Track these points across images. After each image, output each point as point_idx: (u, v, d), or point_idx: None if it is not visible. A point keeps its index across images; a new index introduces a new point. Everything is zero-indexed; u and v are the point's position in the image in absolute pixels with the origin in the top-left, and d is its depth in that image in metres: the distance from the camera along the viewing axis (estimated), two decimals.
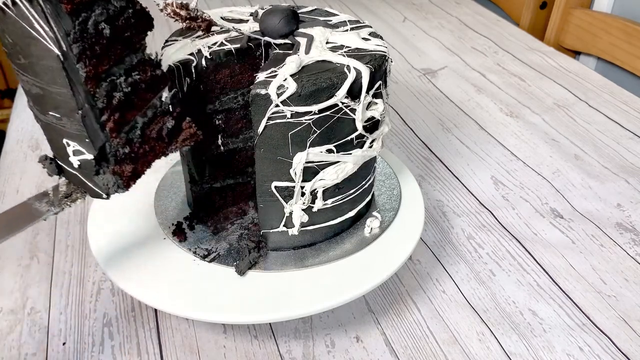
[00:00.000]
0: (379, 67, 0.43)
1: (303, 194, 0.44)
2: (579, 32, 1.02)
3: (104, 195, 0.39)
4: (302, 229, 0.46)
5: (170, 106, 0.42)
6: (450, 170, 0.68)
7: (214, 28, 0.47)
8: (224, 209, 0.52)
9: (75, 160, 0.37)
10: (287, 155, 0.42)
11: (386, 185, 0.55)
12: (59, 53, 0.32)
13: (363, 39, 0.45)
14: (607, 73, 0.96)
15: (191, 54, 0.44)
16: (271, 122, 0.40)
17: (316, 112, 0.40)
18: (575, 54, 1.08)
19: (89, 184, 0.39)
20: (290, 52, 0.43)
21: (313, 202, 0.45)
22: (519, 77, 0.90)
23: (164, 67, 0.44)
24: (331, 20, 0.48)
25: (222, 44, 0.45)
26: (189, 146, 0.44)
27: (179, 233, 0.48)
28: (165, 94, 0.42)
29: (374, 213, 0.51)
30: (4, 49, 0.34)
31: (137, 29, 0.38)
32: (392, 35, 1.05)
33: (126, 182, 0.40)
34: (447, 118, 0.79)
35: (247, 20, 0.49)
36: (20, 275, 0.52)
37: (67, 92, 0.34)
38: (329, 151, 0.42)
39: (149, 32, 0.40)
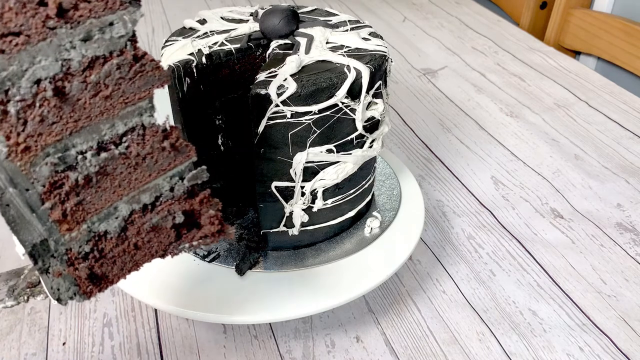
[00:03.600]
0: (379, 67, 0.43)
1: (303, 194, 0.44)
2: (579, 32, 1.02)
3: (55, 302, 0.29)
4: (302, 229, 0.46)
5: (188, 189, 0.31)
6: (450, 170, 0.68)
7: None
8: (224, 209, 0.52)
9: (19, 250, 0.28)
10: (287, 155, 0.42)
11: (386, 185, 0.55)
12: None
13: (363, 39, 0.45)
14: (607, 73, 0.96)
15: (191, 54, 0.44)
16: (271, 122, 0.40)
17: (316, 112, 0.40)
18: (575, 54, 1.08)
19: (42, 281, 0.29)
20: (290, 52, 0.43)
21: (313, 202, 0.45)
22: (519, 77, 0.90)
23: (164, 67, 0.43)
24: (331, 20, 0.48)
25: (222, 44, 0.45)
26: (207, 245, 0.32)
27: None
28: (188, 171, 0.30)
29: (374, 213, 0.51)
30: None
31: (129, 86, 0.27)
32: (392, 35, 1.05)
33: (85, 290, 0.29)
34: (447, 118, 0.79)
35: (247, 20, 0.49)
36: None
37: None
38: (329, 151, 0.42)
39: (154, 89, 0.28)
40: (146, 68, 0.27)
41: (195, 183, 0.31)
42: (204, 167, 0.31)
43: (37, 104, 0.25)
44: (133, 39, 0.27)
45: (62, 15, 0.24)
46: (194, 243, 0.32)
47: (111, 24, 0.26)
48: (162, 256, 0.32)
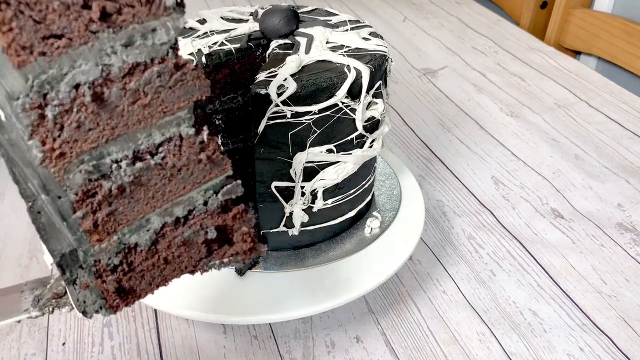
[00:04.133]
0: (379, 66, 0.43)
1: (303, 194, 0.44)
2: (579, 32, 1.02)
3: (80, 315, 0.28)
4: (302, 229, 0.46)
5: (222, 204, 0.29)
6: (450, 170, 0.68)
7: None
8: None
9: (47, 259, 0.27)
10: (287, 155, 0.42)
11: (386, 185, 0.55)
12: None
13: (363, 38, 0.45)
14: (607, 73, 0.96)
15: (191, 54, 0.44)
16: (271, 122, 0.40)
17: (316, 112, 0.40)
18: (575, 53, 1.08)
19: (68, 293, 0.28)
20: (290, 52, 0.43)
21: (313, 202, 0.45)
22: (519, 77, 0.90)
23: None
24: (331, 20, 0.48)
25: (222, 43, 0.45)
26: (238, 262, 0.31)
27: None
28: (222, 185, 0.29)
29: (374, 213, 0.51)
30: None
31: (168, 95, 0.26)
32: (392, 35, 1.05)
33: (112, 303, 0.29)
34: (448, 118, 0.79)
35: (247, 20, 0.49)
36: (20, 275, 0.52)
37: (9, 174, 0.24)
38: (329, 151, 0.42)
39: (194, 99, 0.27)
40: (187, 77, 0.27)
41: (229, 198, 0.30)
42: (239, 181, 0.30)
43: (75, 109, 0.24)
44: (175, 46, 0.26)
45: (105, 19, 0.24)
46: (225, 260, 0.31)
47: (154, 30, 0.25)
48: (192, 272, 0.31)
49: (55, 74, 0.23)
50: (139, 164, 0.27)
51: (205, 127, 0.28)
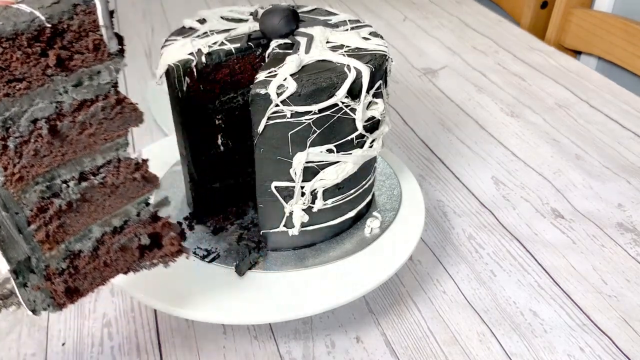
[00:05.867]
0: (379, 66, 0.43)
1: (303, 194, 0.44)
2: (579, 31, 1.02)
3: (30, 312, 0.32)
4: (302, 229, 0.46)
5: (153, 215, 0.35)
6: (450, 170, 0.68)
7: None
8: (224, 209, 0.52)
9: (3, 266, 0.31)
10: (287, 155, 0.42)
11: (386, 185, 0.55)
12: None
13: (363, 38, 0.45)
14: (607, 73, 0.96)
15: (191, 54, 0.44)
16: (271, 122, 0.40)
17: (316, 111, 0.40)
18: (576, 53, 1.08)
19: (18, 293, 0.32)
20: (290, 51, 0.43)
21: (313, 202, 0.45)
22: (519, 77, 0.90)
23: (163, 67, 0.43)
24: (331, 20, 0.48)
25: (222, 43, 0.45)
26: (166, 264, 0.37)
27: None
28: (151, 199, 0.35)
29: (374, 213, 0.51)
30: None
31: (106, 126, 0.31)
32: (392, 34, 1.05)
33: (59, 302, 0.33)
34: (448, 118, 0.79)
35: (247, 20, 0.49)
36: None
37: None
38: (329, 151, 0.42)
39: (130, 127, 0.33)
40: (125, 110, 0.32)
41: (158, 209, 0.36)
42: (167, 195, 0.37)
43: (33, 140, 0.29)
44: (115, 84, 0.31)
45: (60, 64, 0.28)
46: (154, 261, 0.36)
47: (99, 72, 0.30)
48: (126, 272, 0.36)
49: (17, 111, 0.28)
50: (84, 184, 0.32)
51: (140, 151, 0.34)
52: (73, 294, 0.33)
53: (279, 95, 0.38)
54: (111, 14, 0.30)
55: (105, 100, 0.31)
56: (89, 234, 0.33)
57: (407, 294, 0.51)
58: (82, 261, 0.33)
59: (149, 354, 0.45)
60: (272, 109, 0.39)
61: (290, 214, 0.45)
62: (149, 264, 0.36)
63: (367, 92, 0.41)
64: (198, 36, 0.46)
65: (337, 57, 0.42)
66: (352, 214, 0.48)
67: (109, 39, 0.30)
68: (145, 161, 0.34)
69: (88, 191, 0.32)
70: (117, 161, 0.33)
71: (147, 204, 0.35)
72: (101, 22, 0.29)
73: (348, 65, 0.41)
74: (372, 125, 0.44)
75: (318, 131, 0.41)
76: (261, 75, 0.40)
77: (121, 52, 0.31)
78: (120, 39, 0.31)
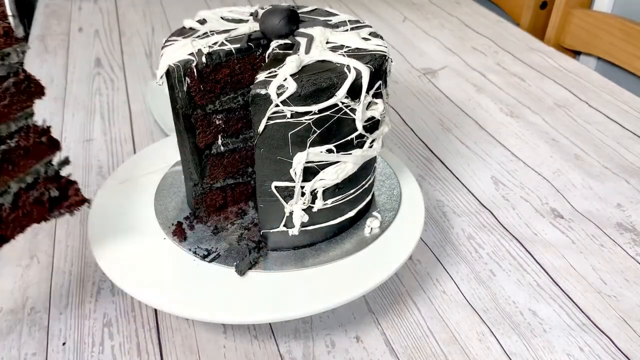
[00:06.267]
0: (379, 67, 0.43)
1: (303, 194, 0.44)
2: (579, 32, 1.02)
3: None
4: (302, 229, 0.46)
5: (57, 173, 0.43)
6: (450, 170, 0.68)
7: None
8: (224, 209, 0.52)
9: None
10: (287, 155, 0.42)
11: (386, 185, 0.55)
12: None
13: (363, 38, 0.45)
14: (607, 73, 0.96)
15: (191, 54, 0.44)
16: (271, 122, 0.40)
17: (316, 112, 0.40)
18: (575, 54, 1.08)
19: None
20: (290, 52, 0.43)
21: (313, 202, 0.45)
22: (519, 77, 0.90)
23: (163, 67, 0.44)
24: (331, 20, 0.48)
25: (222, 44, 0.45)
26: (72, 213, 0.44)
27: (179, 233, 0.48)
28: (56, 160, 0.42)
29: (374, 213, 0.51)
30: None
31: (17, 98, 0.38)
32: (392, 35, 1.05)
33: None
34: (447, 118, 0.79)
35: (247, 20, 0.49)
36: (20, 275, 0.52)
37: None
38: (329, 151, 0.42)
39: (35, 99, 0.40)
40: (32, 85, 0.39)
41: (62, 167, 0.43)
42: (67, 156, 0.44)
43: None
44: (22, 64, 0.39)
45: None
46: (62, 211, 0.44)
47: (9, 54, 0.37)
48: (39, 222, 0.43)
49: None
50: (2, 146, 0.38)
51: (45, 119, 0.42)
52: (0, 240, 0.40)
53: (279, 95, 0.39)
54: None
55: (16, 77, 0.38)
56: (9, 189, 0.40)
57: (406, 293, 0.51)
58: (4, 213, 0.40)
59: (149, 353, 0.45)
60: (272, 109, 0.39)
61: (290, 214, 0.45)
62: (58, 214, 0.43)
63: (367, 92, 0.41)
64: (198, 37, 0.46)
65: (337, 58, 0.42)
66: (352, 213, 0.48)
67: (16, 27, 0.36)
68: (49, 127, 0.42)
69: (6, 153, 0.38)
70: (27, 128, 0.40)
71: (52, 164, 0.43)
72: (9, 12, 0.35)
73: (348, 66, 0.41)
74: (372, 125, 0.44)
75: (318, 131, 0.41)
76: (261, 76, 0.40)
77: (26, 38, 0.38)
78: (25, 26, 0.37)
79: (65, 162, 0.43)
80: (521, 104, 0.82)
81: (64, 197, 0.43)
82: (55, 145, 0.42)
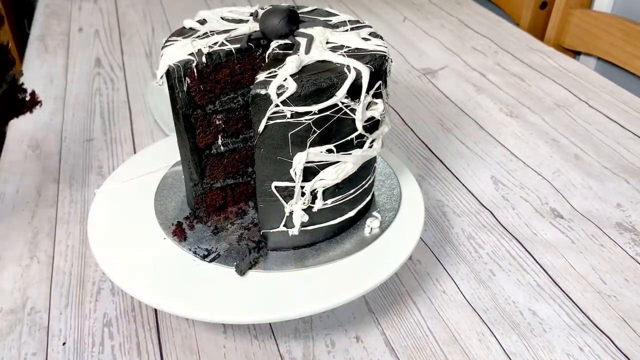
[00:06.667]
0: (379, 67, 0.43)
1: (303, 194, 0.44)
2: (579, 32, 1.02)
3: None
4: (302, 229, 0.46)
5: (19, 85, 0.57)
6: (450, 170, 0.68)
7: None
8: (224, 209, 0.52)
9: None
10: (287, 155, 0.42)
11: (386, 185, 0.55)
12: None
13: (363, 39, 0.45)
14: (607, 73, 0.96)
15: (191, 54, 0.44)
16: (271, 122, 0.40)
17: (316, 112, 0.40)
18: (575, 54, 1.08)
19: None
20: (290, 52, 0.43)
21: (313, 202, 0.45)
22: (519, 77, 0.90)
23: (164, 67, 0.44)
24: (331, 20, 0.48)
25: (222, 44, 0.45)
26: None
27: (179, 233, 0.48)
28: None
29: (374, 213, 0.51)
30: None
31: None
32: (392, 35, 1.05)
33: None
34: (447, 118, 0.79)
35: (247, 20, 0.49)
36: (20, 275, 0.52)
37: None
38: (329, 151, 0.42)
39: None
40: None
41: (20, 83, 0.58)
42: (21, 69, 0.58)
43: None
44: None
45: None
46: (24, 110, 0.58)
47: None
48: (8, 121, 0.58)
49: None
50: None
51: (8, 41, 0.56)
52: None
53: (279, 95, 0.39)
54: None
55: None
56: None
57: (406, 293, 0.51)
58: None
59: (149, 353, 0.45)
60: (272, 109, 0.39)
61: (290, 214, 0.45)
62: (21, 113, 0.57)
63: (367, 92, 0.41)
64: (198, 37, 0.46)
65: (337, 58, 0.42)
66: (352, 213, 0.48)
67: None
68: (8, 42, 0.55)
69: None
70: None
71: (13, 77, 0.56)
72: None
73: (348, 66, 0.41)
74: (372, 125, 0.44)
75: (318, 131, 0.41)
76: (261, 76, 0.40)
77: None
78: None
79: (19, 74, 0.57)
80: (521, 104, 0.82)
81: (24, 103, 0.57)
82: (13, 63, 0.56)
